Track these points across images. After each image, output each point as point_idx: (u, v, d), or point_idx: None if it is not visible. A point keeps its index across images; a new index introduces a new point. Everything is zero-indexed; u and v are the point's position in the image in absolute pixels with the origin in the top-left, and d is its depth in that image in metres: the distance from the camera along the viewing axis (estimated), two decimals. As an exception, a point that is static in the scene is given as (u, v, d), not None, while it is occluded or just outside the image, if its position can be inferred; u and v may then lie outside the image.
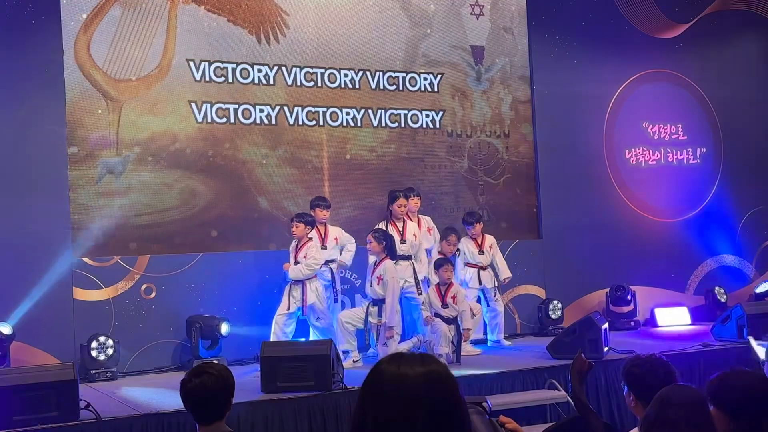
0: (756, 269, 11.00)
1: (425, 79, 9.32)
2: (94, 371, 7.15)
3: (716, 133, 11.05)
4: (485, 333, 8.71)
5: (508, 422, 2.73)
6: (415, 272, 7.95)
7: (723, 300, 9.86)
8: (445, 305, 7.53)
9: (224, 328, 7.56)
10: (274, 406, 5.89)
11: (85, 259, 7.62)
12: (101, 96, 7.85)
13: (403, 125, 9.16)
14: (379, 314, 7.50)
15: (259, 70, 8.51)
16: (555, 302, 9.23)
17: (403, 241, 8.00)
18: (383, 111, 9.09)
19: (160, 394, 6.36)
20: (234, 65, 8.38)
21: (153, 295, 7.88)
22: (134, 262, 7.83)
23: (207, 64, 8.28)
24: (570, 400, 5.98)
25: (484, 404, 3.02)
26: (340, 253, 8.07)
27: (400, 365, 1.78)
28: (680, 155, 10.84)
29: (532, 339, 8.96)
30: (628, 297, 9.46)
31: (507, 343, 8.56)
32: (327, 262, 7.83)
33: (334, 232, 8.04)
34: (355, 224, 8.40)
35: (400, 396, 1.72)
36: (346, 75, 8.95)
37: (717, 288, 10.09)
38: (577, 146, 10.06)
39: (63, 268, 7.50)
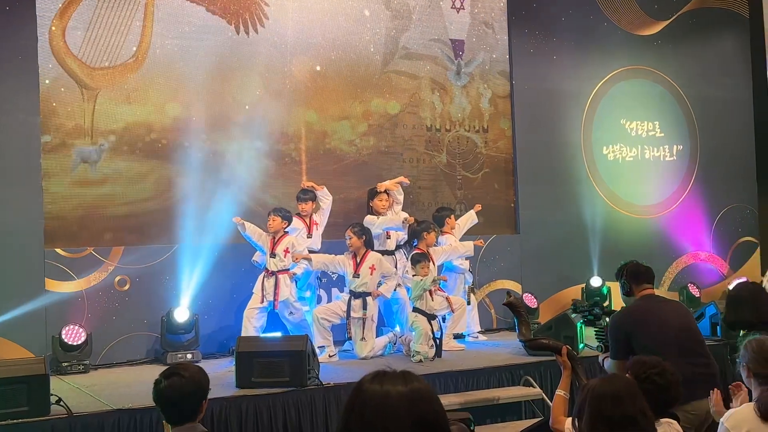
0: (730, 266, 11.18)
1: (409, 76, 9.33)
2: (66, 363, 7.09)
3: (693, 130, 11.19)
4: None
5: None
6: (396, 266, 7.98)
7: (697, 296, 9.98)
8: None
9: (179, 315, 7.62)
10: (249, 402, 5.91)
11: (58, 250, 7.57)
12: (76, 84, 7.79)
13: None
14: (364, 308, 7.51)
15: (238, 61, 8.50)
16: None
17: (387, 237, 8.12)
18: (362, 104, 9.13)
19: (134, 388, 6.30)
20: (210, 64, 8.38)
21: (127, 287, 7.84)
22: (108, 253, 7.80)
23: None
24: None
25: (467, 420, 3.03)
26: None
27: (383, 383, 1.80)
28: (657, 152, 10.94)
29: (507, 334, 8.92)
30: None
31: (482, 338, 8.60)
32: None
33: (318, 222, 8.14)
34: (333, 217, 8.37)
35: (383, 414, 1.74)
36: (325, 67, 8.95)
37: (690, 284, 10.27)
38: (556, 142, 10.15)
39: (35, 258, 7.44)
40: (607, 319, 6.03)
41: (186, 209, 8.20)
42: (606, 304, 9.48)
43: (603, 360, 5.53)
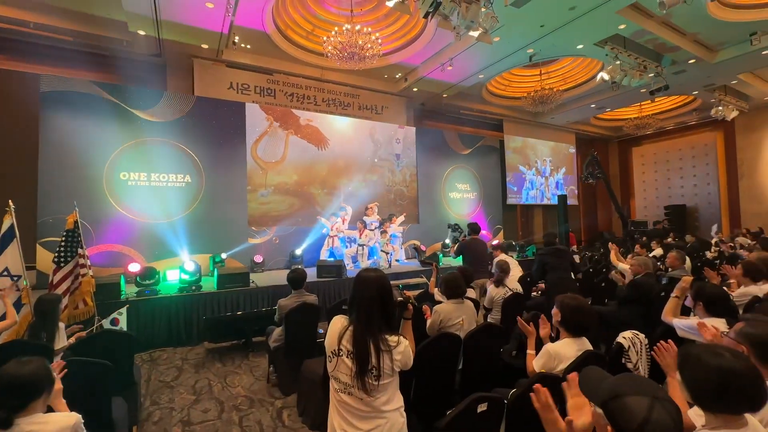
0: (492, 236, 10.82)
1: (380, 167, 9.29)
2: (254, 269, 6.98)
3: (480, 187, 10.40)
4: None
5: (410, 296, 2.09)
6: (375, 235, 7.82)
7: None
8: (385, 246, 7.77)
9: (297, 252, 7.14)
10: (321, 284, 5.94)
11: (252, 227, 7.47)
12: (258, 167, 7.80)
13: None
14: (363, 250, 7.58)
15: (315, 159, 8.36)
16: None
17: (372, 224, 7.95)
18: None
19: (280, 278, 6.04)
20: (307, 160, 8.25)
21: (277, 241, 7.50)
22: (270, 229, 7.65)
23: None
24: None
25: (399, 287, 3.21)
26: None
27: (367, 272, 1.76)
28: (467, 195, 10.35)
29: (413, 261, 8.76)
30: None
31: (404, 260, 8.53)
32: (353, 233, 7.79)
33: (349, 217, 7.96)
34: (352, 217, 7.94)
35: (365, 284, 1.69)
36: (350, 160, 8.68)
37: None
38: (432, 193, 9.86)
39: (244, 229, 7.33)
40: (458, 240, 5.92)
41: (300, 214, 8.05)
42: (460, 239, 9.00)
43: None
